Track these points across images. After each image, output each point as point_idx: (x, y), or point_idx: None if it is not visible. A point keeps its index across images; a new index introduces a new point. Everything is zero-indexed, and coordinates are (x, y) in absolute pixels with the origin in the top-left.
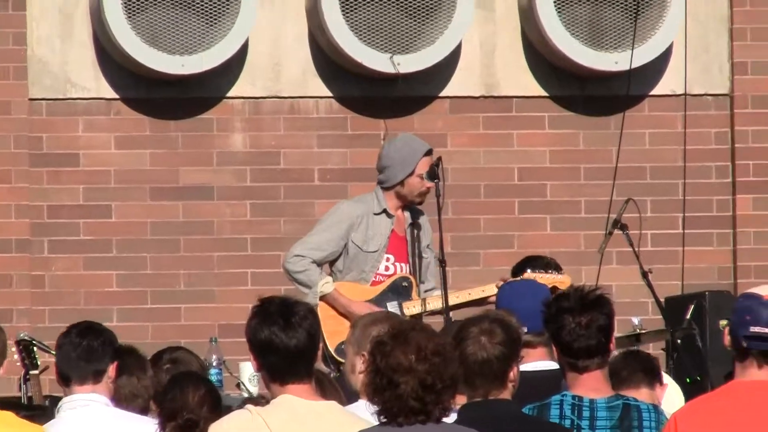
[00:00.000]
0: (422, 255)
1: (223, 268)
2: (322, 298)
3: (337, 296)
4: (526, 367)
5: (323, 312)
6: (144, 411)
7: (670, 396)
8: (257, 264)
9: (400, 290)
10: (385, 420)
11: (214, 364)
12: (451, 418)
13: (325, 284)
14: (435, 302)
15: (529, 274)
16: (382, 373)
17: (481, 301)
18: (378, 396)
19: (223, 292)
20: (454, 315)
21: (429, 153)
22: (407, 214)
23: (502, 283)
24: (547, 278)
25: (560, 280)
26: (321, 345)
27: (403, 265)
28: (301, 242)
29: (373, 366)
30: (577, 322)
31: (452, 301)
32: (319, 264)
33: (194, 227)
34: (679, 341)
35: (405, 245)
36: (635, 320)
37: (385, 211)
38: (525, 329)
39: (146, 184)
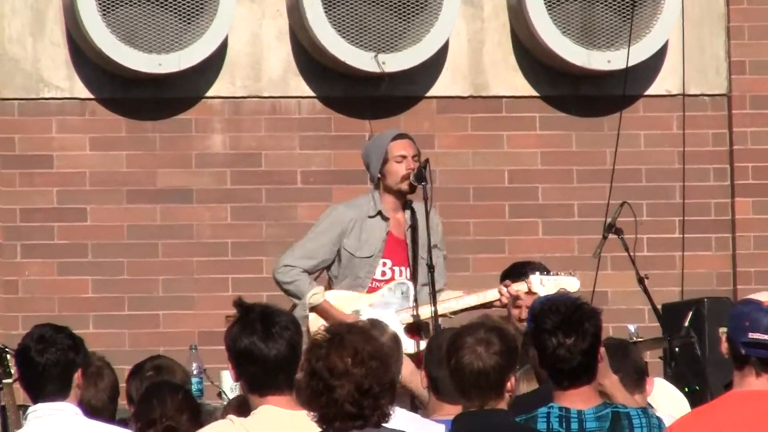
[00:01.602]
0: (424, 257)
1: (203, 273)
2: (313, 309)
3: (326, 308)
4: None
5: (314, 326)
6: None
7: (659, 390)
8: (238, 269)
9: (395, 297)
10: (324, 426)
11: (195, 372)
12: (391, 423)
13: (314, 295)
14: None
15: (536, 277)
16: (318, 377)
17: (480, 307)
18: (314, 401)
19: (203, 298)
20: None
21: (401, 137)
22: (407, 214)
23: (505, 289)
24: (556, 282)
25: (569, 284)
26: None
27: (402, 268)
28: (291, 251)
29: (309, 369)
30: (560, 343)
31: (453, 307)
32: (311, 272)
33: (173, 231)
34: (677, 349)
35: (404, 248)
36: (631, 328)
37: (380, 213)
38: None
39: (123, 186)
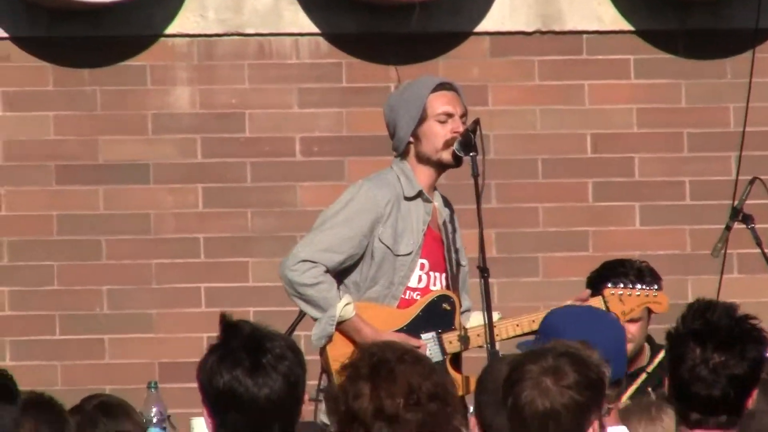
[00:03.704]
0: (460, 261)
1: (165, 281)
2: (340, 326)
3: (359, 325)
4: None
5: (338, 347)
6: None
7: None
8: (214, 276)
9: (439, 315)
10: None
11: (155, 419)
12: None
13: (347, 306)
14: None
15: (610, 289)
16: (357, 423)
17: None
18: None
19: (166, 316)
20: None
21: (444, 87)
22: (439, 201)
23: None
24: (636, 297)
25: (656, 300)
26: (306, 397)
27: (438, 275)
28: (308, 241)
29: (345, 412)
30: (704, 359)
31: (510, 331)
32: (333, 272)
33: (122, 223)
34: None
35: (441, 246)
36: None
37: (420, 194)
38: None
39: (50, 161)
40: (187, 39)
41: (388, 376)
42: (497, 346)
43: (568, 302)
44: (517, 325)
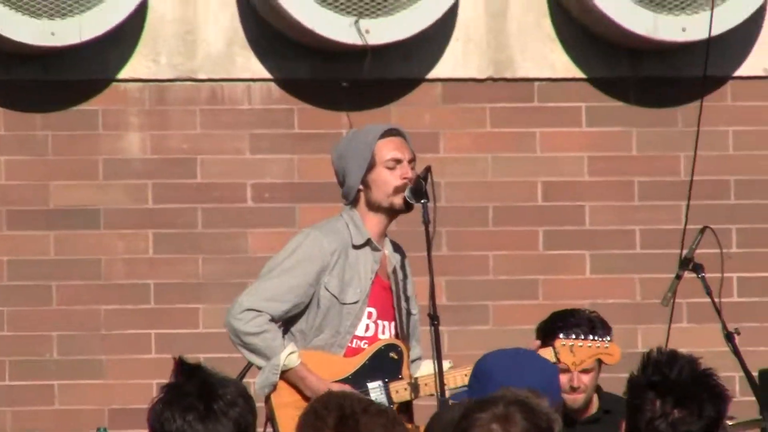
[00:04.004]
0: (411, 310)
1: (116, 327)
2: (285, 374)
3: (304, 374)
4: None
5: (282, 396)
6: None
7: None
8: (164, 322)
9: (386, 363)
10: None
11: None
12: None
13: (291, 355)
14: (431, 383)
15: (561, 340)
16: None
17: None
18: None
19: (116, 363)
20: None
21: (392, 134)
22: (389, 249)
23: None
24: (588, 348)
25: (607, 351)
26: None
27: (386, 323)
28: (253, 290)
29: None
30: (664, 413)
31: (459, 380)
32: (278, 322)
33: (72, 268)
34: None
35: (390, 295)
36: None
37: (368, 242)
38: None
39: (1, 206)
40: (139, 84)
41: (354, 427)
42: (447, 394)
43: None
44: (466, 375)
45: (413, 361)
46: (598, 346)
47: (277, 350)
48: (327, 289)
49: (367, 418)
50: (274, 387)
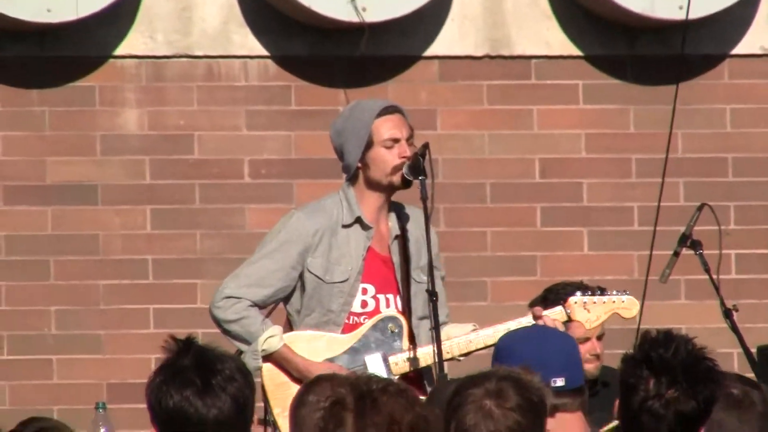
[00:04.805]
0: (422, 281)
1: (114, 302)
2: (268, 357)
3: (288, 356)
4: None
5: (271, 377)
6: None
7: None
8: (162, 297)
9: (386, 336)
10: None
11: None
12: None
13: (269, 339)
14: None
15: (573, 298)
16: None
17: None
18: None
19: (114, 337)
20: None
21: (390, 111)
22: (393, 221)
23: (532, 317)
24: (603, 304)
25: (624, 306)
26: (255, 418)
27: (389, 297)
28: (234, 276)
29: None
30: (658, 393)
31: (464, 347)
32: (263, 306)
33: (70, 244)
34: None
35: (391, 269)
36: None
37: (358, 220)
38: (560, 382)
39: None
40: (136, 60)
41: (373, 407)
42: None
43: (514, 321)
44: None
45: (443, 323)
46: (614, 300)
47: (256, 335)
48: (310, 271)
49: (386, 398)
50: (259, 370)
